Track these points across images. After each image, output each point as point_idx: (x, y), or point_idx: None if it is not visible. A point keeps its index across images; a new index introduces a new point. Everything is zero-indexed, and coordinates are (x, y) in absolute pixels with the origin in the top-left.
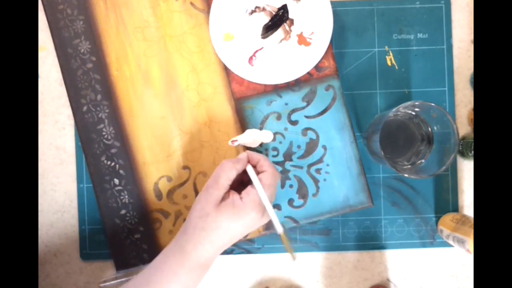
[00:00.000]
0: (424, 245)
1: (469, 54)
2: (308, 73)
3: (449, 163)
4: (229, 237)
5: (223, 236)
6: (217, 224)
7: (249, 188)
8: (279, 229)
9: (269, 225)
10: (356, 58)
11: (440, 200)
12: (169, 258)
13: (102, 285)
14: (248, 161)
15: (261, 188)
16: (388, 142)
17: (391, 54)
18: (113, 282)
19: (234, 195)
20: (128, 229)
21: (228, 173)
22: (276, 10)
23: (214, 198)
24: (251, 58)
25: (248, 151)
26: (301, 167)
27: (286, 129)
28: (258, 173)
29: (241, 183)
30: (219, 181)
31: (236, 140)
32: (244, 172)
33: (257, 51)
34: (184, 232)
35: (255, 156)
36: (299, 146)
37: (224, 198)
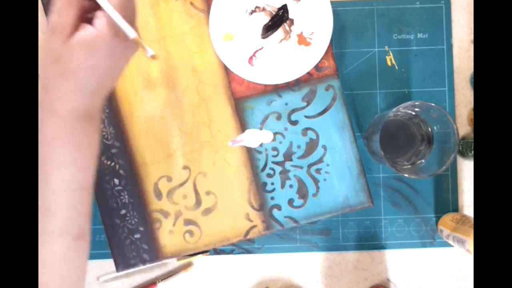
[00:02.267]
0: (424, 245)
1: (469, 54)
2: (308, 73)
3: (449, 163)
4: (97, 74)
5: (89, 76)
6: (75, 63)
7: (97, 13)
8: (132, 33)
9: (269, 225)
10: (356, 58)
11: (440, 200)
12: (46, 132)
13: (101, 279)
14: None
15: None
16: (388, 142)
17: (391, 54)
18: (112, 275)
19: (84, 25)
20: (128, 229)
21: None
22: (276, 10)
23: (61, 35)
24: (251, 58)
25: None
26: (301, 167)
27: (286, 129)
28: None
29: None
30: (63, 12)
31: (236, 141)
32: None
33: (257, 51)
34: (44, 90)
35: None
36: (299, 146)
37: (72, 33)
